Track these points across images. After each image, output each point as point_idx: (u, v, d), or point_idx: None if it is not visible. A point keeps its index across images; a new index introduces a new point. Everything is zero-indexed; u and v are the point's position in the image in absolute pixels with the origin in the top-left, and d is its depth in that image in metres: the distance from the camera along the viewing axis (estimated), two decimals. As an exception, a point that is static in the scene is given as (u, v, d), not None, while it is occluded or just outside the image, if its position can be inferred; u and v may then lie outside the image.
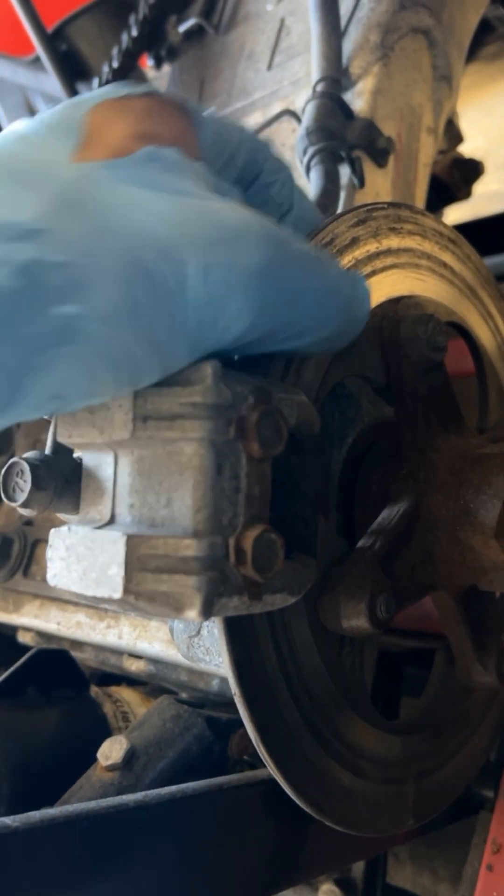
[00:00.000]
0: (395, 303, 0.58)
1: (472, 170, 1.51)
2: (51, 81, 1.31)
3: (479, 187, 1.82)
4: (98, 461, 0.43)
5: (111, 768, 0.59)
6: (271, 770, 0.49)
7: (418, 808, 0.62)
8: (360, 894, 0.79)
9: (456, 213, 1.85)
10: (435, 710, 0.66)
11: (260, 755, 0.49)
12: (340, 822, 0.54)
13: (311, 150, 0.75)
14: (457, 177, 1.37)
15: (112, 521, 0.41)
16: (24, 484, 0.43)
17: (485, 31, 1.58)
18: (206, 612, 0.38)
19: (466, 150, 1.91)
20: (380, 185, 0.81)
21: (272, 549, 0.40)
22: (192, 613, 0.38)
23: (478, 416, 0.70)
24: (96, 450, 0.43)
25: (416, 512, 0.54)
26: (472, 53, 1.29)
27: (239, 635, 0.46)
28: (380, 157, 0.79)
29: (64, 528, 0.43)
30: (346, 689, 0.54)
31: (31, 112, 1.45)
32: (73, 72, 1.29)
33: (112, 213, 0.36)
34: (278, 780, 0.49)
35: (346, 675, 0.54)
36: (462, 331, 0.68)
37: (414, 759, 0.61)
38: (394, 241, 0.59)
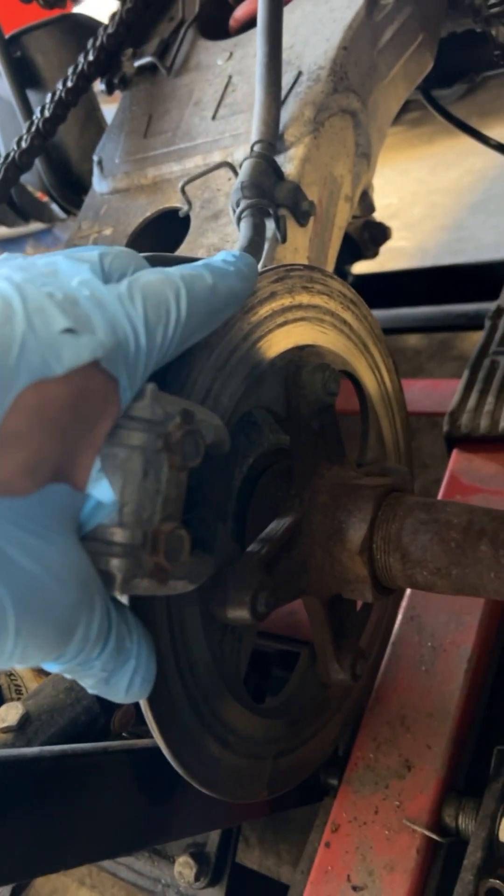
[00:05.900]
0: (300, 349, 0.68)
1: (380, 233, 1.67)
2: (1, 83, 1.35)
3: (388, 243, 1.99)
4: None
5: (6, 730, 0.65)
6: (154, 735, 0.57)
7: (272, 783, 0.71)
8: (211, 867, 0.88)
9: (364, 265, 2.01)
10: (295, 700, 0.76)
11: (146, 721, 0.57)
12: (206, 786, 0.62)
13: (243, 203, 0.85)
14: (367, 237, 1.52)
15: None
16: None
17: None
18: (124, 589, 0.46)
19: (380, 205, 2.08)
20: (299, 242, 0.92)
21: (180, 544, 0.49)
22: (114, 589, 0.46)
23: (358, 453, 0.82)
24: None
25: (298, 526, 0.63)
26: (397, 117, 1.44)
27: (140, 614, 0.54)
28: (302, 218, 0.90)
29: None
30: (223, 670, 0.62)
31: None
32: (25, 78, 1.34)
33: None
34: (159, 744, 0.57)
35: (224, 658, 0.63)
36: (353, 379, 0.79)
37: (274, 740, 0.71)
38: (305, 298, 0.69)
